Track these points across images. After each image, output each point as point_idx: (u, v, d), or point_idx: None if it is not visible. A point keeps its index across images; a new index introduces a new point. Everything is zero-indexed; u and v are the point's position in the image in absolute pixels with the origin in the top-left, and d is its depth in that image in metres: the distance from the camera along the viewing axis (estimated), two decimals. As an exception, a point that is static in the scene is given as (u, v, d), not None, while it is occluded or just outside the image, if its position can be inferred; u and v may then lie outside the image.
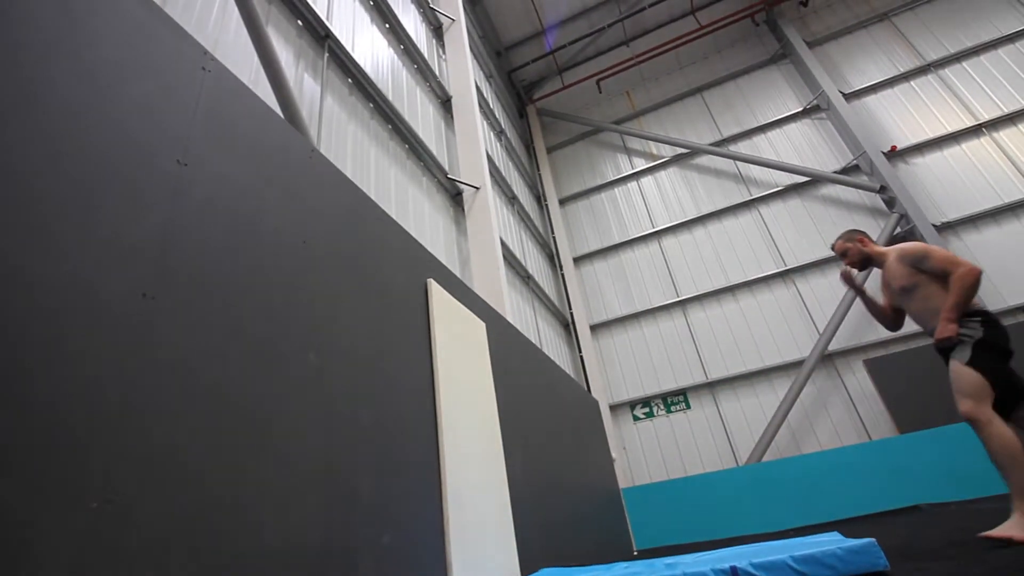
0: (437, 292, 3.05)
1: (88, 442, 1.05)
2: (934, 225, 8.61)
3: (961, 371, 2.36)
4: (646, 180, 11.78)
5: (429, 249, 4.10)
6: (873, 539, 1.85)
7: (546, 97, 13.30)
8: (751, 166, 10.78)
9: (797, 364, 8.81)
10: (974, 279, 2.41)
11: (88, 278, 1.16)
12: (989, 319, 2.43)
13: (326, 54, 4.63)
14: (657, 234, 11.02)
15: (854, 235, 2.98)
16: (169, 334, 1.31)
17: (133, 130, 1.40)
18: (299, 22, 4.44)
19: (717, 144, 11.29)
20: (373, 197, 3.97)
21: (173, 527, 1.17)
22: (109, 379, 1.13)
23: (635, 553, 6.57)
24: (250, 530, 1.36)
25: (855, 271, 2.38)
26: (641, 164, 11.98)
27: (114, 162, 1.31)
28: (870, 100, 10.25)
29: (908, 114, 9.84)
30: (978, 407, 2.26)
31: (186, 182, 1.51)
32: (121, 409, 1.14)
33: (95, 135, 1.29)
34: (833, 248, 3.09)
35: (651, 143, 12.11)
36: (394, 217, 3.87)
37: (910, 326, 8.36)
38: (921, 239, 8.53)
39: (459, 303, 3.37)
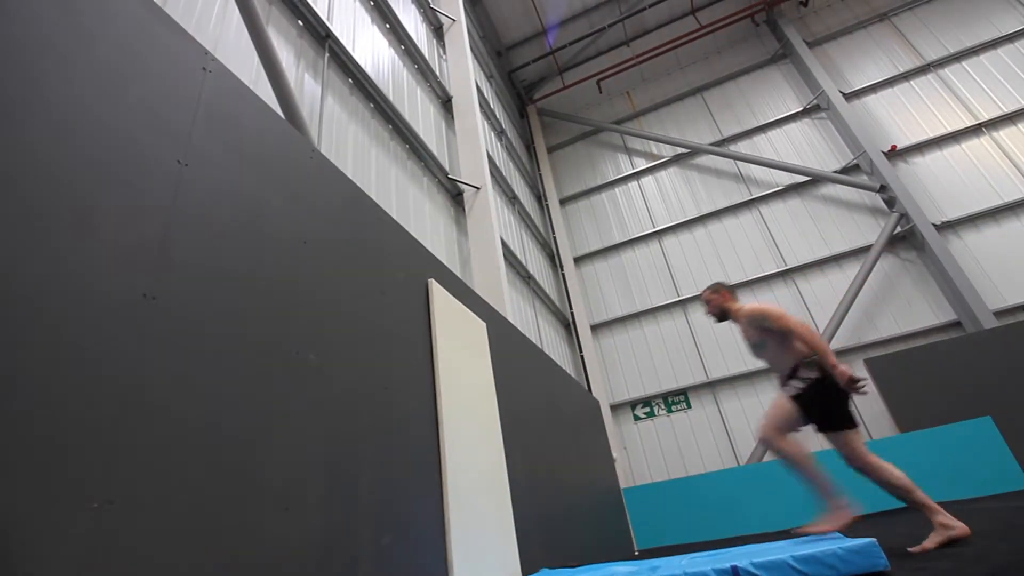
0: (438, 292, 3.05)
1: (88, 442, 1.06)
2: (934, 225, 8.61)
3: (782, 403, 2.70)
4: (646, 180, 11.78)
5: (430, 249, 4.11)
6: (873, 539, 1.85)
7: (546, 97, 13.29)
8: (751, 166, 10.78)
9: (797, 364, 8.79)
10: (808, 330, 2.73)
11: (88, 278, 1.16)
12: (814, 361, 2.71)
13: (326, 54, 4.63)
14: (658, 234, 11.02)
15: (720, 288, 3.23)
16: (169, 334, 1.31)
17: (134, 130, 1.40)
18: (299, 22, 4.45)
19: (717, 144, 11.28)
20: (374, 197, 3.97)
21: (173, 527, 1.17)
22: (109, 379, 1.14)
23: (636, 553, 6.57)
24: (250, 530, 1.36)
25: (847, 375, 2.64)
26: (641, 164, 11.98)
27: (114, 162, 1.32)
28: (870, 100, 10.25)
29: (908, 114, 9.83)
30: (781, 436, 2.69)
31: (186, 182, 1.51)
32: (121, 409, 1.14)
33: (96, 135, 1.29)
34: (701, 296, 3.33)
35: (651, 143, 12.11)
36: (395, 217, 3.87)
37: (909, 326, 8.39)
38: (921, 238, 8.53)
39: (460, 303, 3.37)
